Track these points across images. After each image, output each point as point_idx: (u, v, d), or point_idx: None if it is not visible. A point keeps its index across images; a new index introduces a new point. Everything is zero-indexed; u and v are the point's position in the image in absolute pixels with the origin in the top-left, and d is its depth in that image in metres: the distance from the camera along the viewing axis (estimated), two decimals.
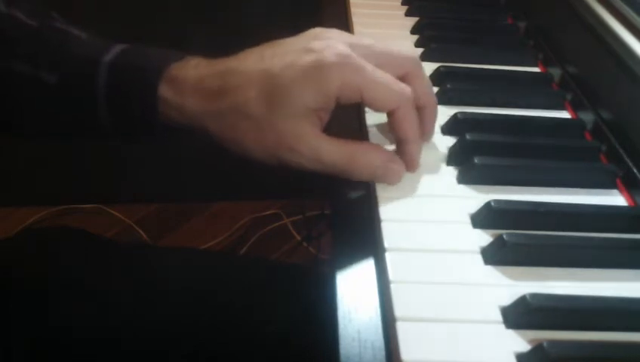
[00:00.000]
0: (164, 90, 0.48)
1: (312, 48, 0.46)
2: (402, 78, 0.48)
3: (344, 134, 0.47)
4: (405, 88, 0.47)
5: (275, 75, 0.45)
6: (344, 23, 0.73)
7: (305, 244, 1.42)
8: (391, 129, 0.48)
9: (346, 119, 0.48)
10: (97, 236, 0.72)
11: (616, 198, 0.49)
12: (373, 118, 0.53)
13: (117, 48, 0.51)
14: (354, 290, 0.43)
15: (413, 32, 0.72)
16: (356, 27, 0.70)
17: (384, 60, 0.47)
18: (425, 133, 0.50)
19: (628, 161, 0.50)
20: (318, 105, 0.45)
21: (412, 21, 0.73)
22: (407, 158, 0.48)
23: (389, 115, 0.47)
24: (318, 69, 0.45)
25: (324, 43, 0.46)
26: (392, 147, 0.50)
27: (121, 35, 0.54)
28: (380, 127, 0.53)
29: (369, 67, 0.45)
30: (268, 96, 0.45)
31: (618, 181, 0.50)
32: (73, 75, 0.51)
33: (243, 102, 0.46)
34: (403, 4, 0.78)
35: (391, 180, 0.47)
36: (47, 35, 0.52)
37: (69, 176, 1.45)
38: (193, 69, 0.49)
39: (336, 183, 0.48)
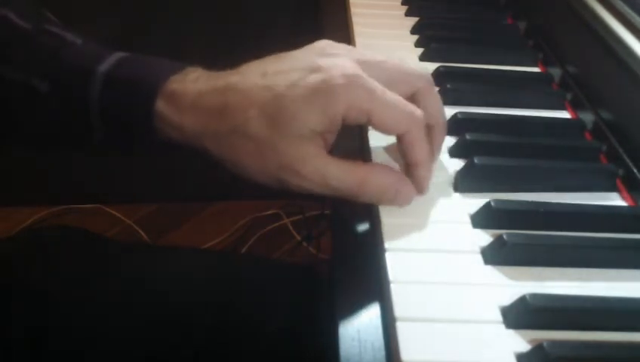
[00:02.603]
0: (161, 106, 0.46)
1: (319, 67, 0.43)
2: (413, 96, 0.46)
3: (346, 145, 0.46)
4: (415, 111, 0.44)
5: (279, 94, 0.43)
6: (344, 23, 0.73)
7: (305, 244, 1.42)
8: (400, 152, 0.46)
9: (347, 132, 0.45)
10: (97, 236, 0.72)
11: (616, 199, 0.49)
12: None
13: (113, 57, 0.49)
14: (354, 290, 0.43)
15: (413, 32, 0.72)
16: (356, 27, 0.70)
17: (394, 78, 0.45)
18: (432, 154, 0.47)
19: (628, 161, 0.50)
20: (323, 127, 0.43)
21: (412, 21, 0.73)
22: (416, 182, 0.46)
23: (399, 138, 0.45)
24: (325, 91, 0.42)
25: (332, 61, 0.43)
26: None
27: (122, 34, 0.53)
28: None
29: (378, 89, 0.43)
30: (270, 117, 0.43)
31: (618, 181, 0.50)
32: (66, 84, 0.49)
33: (243, 122, 0.43)
34: (403, 4, 0.78)
35: (400, 203, 0.45)
36: (41, 40, 0.50)
37: (69, 176, 1.45)
38: (192, 84, 0.46)
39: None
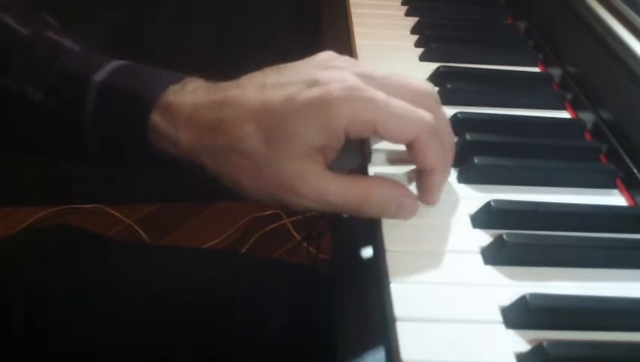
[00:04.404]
0: (157, 119, 0.44)
1: (317, 80, 0.41)
2: None
3: (347, 156, 0.44)
4: (424, 115, 0.42)
5: (275, 109, 0.41)
6: (344, 23, 0.73)
7: (305, 244, 1.42)
8: (413, 160, 0.44)
9: (347, 144, 0.43)
10: (97, 236, 0.72)
11: (616, 198, 0.49)
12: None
13: (109, 67, 0.47)
14: (354, 290, 0.43)
15: (413, 32, 0.72)
16: (356, 27, 0.70)
17: (397, 93, 0.42)
18: (448, 157, 0.45)
19: (628, 161, 0.50)
20: (322, 143, 0.41)
21: (412, 21, 0.73)
22: (429, 189, 0.44)
23: (409, 145, 0.43)
24: (323, 105, 0.40)
25: (330, 74, 0.41)
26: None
27: (121, 33, 0.52)
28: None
29: (381, 97, 0.41)
30: (267, 133, 0.41)
31: (618, 181, 0.50)
32: (60, 93, 0.47)
33: (239, 138, 0.41)
34: (403, 4, 0.78)
35: (403, 217, 0.43)
36: (37, 47, 0.49)
37: (69, 176, 1.45)
38: (189, 96, 0.44)
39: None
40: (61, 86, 0.47)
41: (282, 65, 0.45)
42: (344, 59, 0.44)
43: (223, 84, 0.45)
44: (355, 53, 0.65)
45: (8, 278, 0.59)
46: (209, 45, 1.38)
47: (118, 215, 1.52)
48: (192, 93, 0.45)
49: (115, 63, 0.48)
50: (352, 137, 0.42)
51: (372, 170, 0.48)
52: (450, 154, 0.45)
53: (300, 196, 0.42)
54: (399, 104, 0.41)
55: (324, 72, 0.42)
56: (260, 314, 0.60)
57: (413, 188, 0.46)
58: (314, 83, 0.41)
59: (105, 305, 0.59)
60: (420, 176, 0.45)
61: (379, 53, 0.66)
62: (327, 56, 0.44)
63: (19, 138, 0.51)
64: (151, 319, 0.58)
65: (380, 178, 0.45)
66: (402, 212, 0.43)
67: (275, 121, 0.41)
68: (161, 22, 1.36)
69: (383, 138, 0.43)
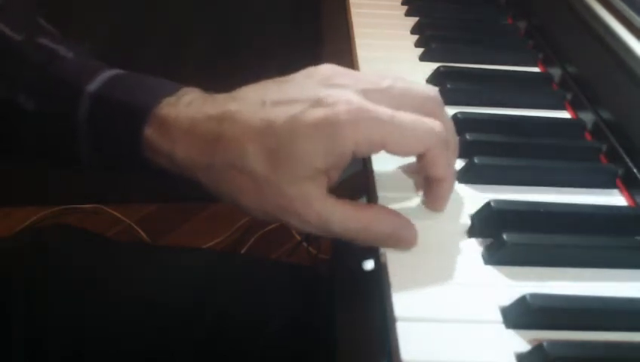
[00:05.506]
0: (151, 133, 0.43)
1: (322, 100, 0.40)
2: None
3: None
4: (433, 125, 0.41)
5: (278, 129, 0.39)
6: (344, 23, 0.73)
7: (305, 244, 1.42)
8: (421, 171, 0.43)
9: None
10: (97, 235, 0.72)
11: (616, 198, 0.49)
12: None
13: (104, 76, 0.46)
14: (354, 290, 0.43)
15: (413, 32, 0.72)
16: (356, 27, 0.70)
17: (403, 103, 0.42)
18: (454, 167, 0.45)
19: (628, 161, 0.50)
20: (328, 165, 0.40)
21: (412, 21, 0.73)
22: (437, 197, 0.44)
23: (419, 156, 0.42)
24: (329, 128, 0.39)
25: (335, 93, 0.40)
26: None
27: (122, 31, 0.51)
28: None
29: (386, 115, 0.40)
30: (270, 154, 0.40)
31: (618, 181, 0.50)
32: (52, 102, 0.46)
33: (240, 157, 0.40)
34: (403, 4, 0.78)
35: (403, 247, 0.42)
36: (30, 54, 0.47)
37: (69, 176, 1.45)
38: (185, 109, 0.43)
39: None
40: (53, 94, 0.46)
41: (282, 79, 0.43)
42: (346, 74, 0.43)
43: (220, 97, 0.44)
44: (355, 53, 0.65)
45: (8, 278, 0.59)
46: (209, 44, 1.38)
47: (118, 215, 1.52)
48: (187, 106, 0.43)
49: (109, 73, 0.46)
50: (361, 157, 0.41)
51: (374, 169, 0.48)
52: (454, 156, 0.46)
53: (302, 221, 0.41)
54: (407, 118, 0.41)
55: (328, 90, 0.41)
56: (260, 314, 0.60)
57: (417, 192, 0.46)
58: (318, 103, 0.40)
59: (105, 305, 0.59)
60: (427, 184, 0.44)
61: (379, 53, 0.66)
62: (329, 71, 0.43)
63: (11, 146, 0.50)
64: (151, 319, 0.58)
65: (383, 208, 0.44)
66: (401, 245, 0.42)
67: (278, 142, 0.40)
68: (161, 22, 1.36)
69: (393, 154, 0.42)
